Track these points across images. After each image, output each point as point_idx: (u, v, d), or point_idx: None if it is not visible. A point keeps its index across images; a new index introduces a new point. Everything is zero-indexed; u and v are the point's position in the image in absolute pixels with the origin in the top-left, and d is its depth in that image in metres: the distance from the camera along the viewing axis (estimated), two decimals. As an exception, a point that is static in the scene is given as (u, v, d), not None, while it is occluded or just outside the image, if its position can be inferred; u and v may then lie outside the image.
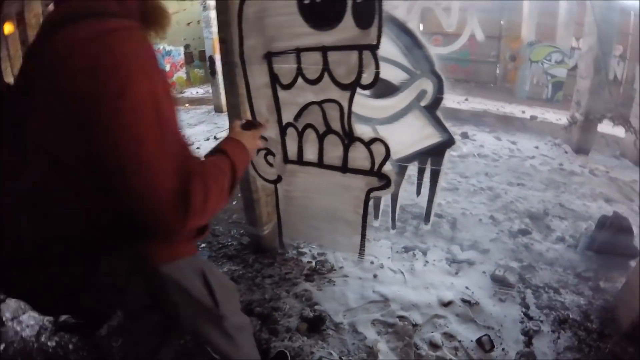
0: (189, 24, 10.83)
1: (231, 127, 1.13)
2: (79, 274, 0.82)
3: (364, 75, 1.88)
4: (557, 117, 6.98)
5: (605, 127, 5.99)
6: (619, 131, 5.89)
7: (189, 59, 11.77)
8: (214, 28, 7.09)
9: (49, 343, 2.29)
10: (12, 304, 2.55)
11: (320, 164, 2.18)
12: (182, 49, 11.26)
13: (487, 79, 10.81)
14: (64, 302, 0.87)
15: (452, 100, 8.11)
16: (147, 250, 0.91)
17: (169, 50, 10.75)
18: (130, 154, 0.70)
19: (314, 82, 2.02)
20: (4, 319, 2.45)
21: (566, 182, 4.50)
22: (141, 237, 0.82)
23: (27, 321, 2.44)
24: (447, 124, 2.11)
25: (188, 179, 0.75)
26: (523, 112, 7.49)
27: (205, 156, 0.94)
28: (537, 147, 5.84)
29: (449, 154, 2.14)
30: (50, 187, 0.77)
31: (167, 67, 10.85)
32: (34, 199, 0.77)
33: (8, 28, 6.65)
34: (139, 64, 0.72)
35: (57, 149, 0.74)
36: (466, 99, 8.44)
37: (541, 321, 2.26)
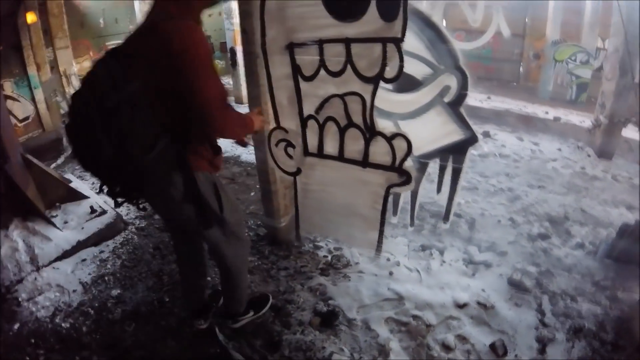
0: (210, 15, 10.89)
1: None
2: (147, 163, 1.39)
3: (388, 69, 1.84)
4: (581, 119, 6.79)
5: (630, 132, 5.83)
6: (645, 136, 5.72)
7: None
8: (235, 19, 7.08)
9: (63, 324, 2.34)
10: (28, 285, 2.61)
11: (340, 157, 2.15)
12: (202, 40, 11.34)
13: (510, 77, 10.56)
14: (130, 180, 1.46)
15: (474, 98, 7.97)
16: (185, 159, 1.47)
17: (190, 42, 10.82)
18: (201, 77, 1.33)
19: (336, 74, 1.99)
20: (20, 299, 2.51)
21: (588, 187, 4.38)
22: (185, 146, 1.46)
23: (43, 302, 2.50)
24: (469, 122, 2.06)
25: (226, 106, 1.45)
26: (546, 112, 7.29)
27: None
28: (559, 149, 5.71)
29: (469, 153, 2.10)
30: (144, 105, 1.34)
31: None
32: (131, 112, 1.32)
33: (30, 17, 6.79)
34: (202, 41, 1.36)
35: (160, 82, 1.35)
36: (488, 97, 8.27)
37: (556, 329, 2.21)
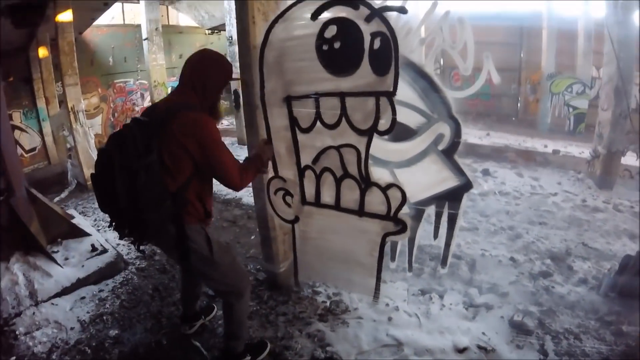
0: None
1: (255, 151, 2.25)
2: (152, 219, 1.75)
3: (382, 121, 1.90)
4: (580, 150, 6.85)
5: (630, 159, 5.84)
6: (644, 163, 5.73)
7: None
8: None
9: None
10: (26, 319, 2.62)
11: (337, 206, 2.19)
12: (208, 82, 11.57)
13: (509, 112, 10.74)
14: (137, 226, 1.79)
15: (473, 135, 8.05)
16: (180, 217, 1.81)
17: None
18: (219, 156, 1.76)
19: (332, 126, 2.06)
20: (17, 332, 2.51)
21: (589, 220, 4.37)
22: (180, 208, 1.79)
23: (40, 338, 2.50)
24: (469, 160, 2.10)
25: (240, 169, 1.85)
26: (545, 146, 7.34)
27: (244, 160, 2.06)
28: (559, 183, 5.72)
29: (469, 193, 2.12)
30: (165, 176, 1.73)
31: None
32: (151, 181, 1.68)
33: (42, 52, 7.03)
34: (215, 129, 1.77)
35: (178, 161, 1.74)
36: (488, 134, 8.37)
37: (560, 370, 2.17)
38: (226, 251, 2.05)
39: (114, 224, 1.84)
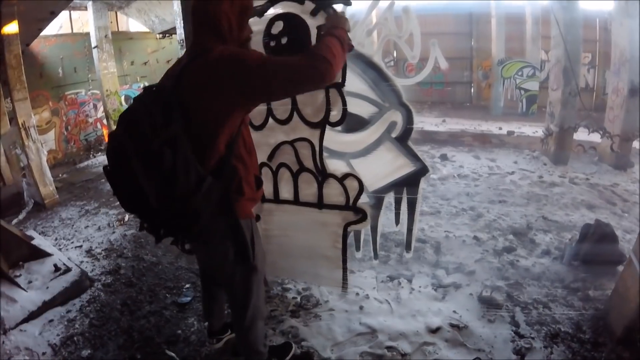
0: (168, 61, 10.94)
1: (326, 26, 1.66)
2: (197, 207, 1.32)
3: (333, 113, 1.91)
4: (534, 130, 7.14)
5: (582, 135, 6.15)
6: (595, 137, 6.05)
7: (169, 96, 11.80)
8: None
9: None
10: (9, 342, 2.53)
11: (296, 201, 2.20)
12: (162, 86, 11.33)
13: (463, 99, 11.11)
14: (176, 222, 1.36)
15: (430, 123, 8.26)
16: (231, 204, 1.44)
17: (149, 88, 10.80)
18: (275, 66, 1.33)
19: (284, 121, 2.06)
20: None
21: (547, 194, 4.57)
22: (229, 185, 1.42)
23: None
24: (426, 147, 2.16)
25: (318, 54, 1.34)
26: (500, 128, 7.63)
27: (322, 39, 1.48)
28: (515, 162, 5.95)
29: (429, 178, 2.17)
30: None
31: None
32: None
33: (-12, 66, 6.64)
34: (236, 50, 1.36)
35: (215, 118, 1.34)
36: (444, 121, 8.61)
37: (532, 338, 2.27)
38: (263, 257, 1.72)
39: (145, 225, 1.45)
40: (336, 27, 1.54)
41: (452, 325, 2.39)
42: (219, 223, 1.44)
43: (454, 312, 2.51)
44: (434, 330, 2.36)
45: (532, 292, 2.70)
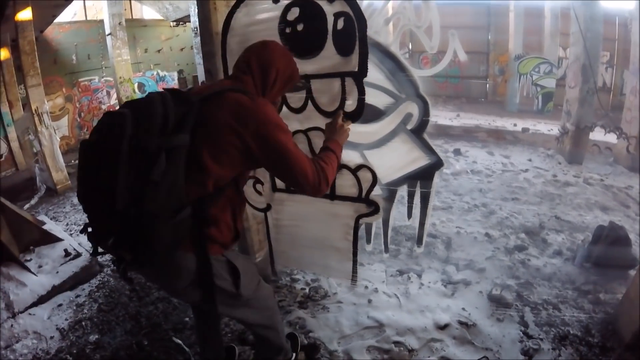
0: (182, 49, 11.01)
1: (327, 129, 1.75)
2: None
3: (348, 102, 1.87)
4: (549, 128, 7.03)
5: (597, 135, 6.04)
6: (611, 138, 5.94)
7: (182, 84, 11.88)
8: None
9: None
10: (5, 332, 2.53)
11: (308, 192, 2.16)
12: (175, 75, 11.39)
13: (478, 94, 10.98)
14: (131, 240, 1.17)
15: (444, 117, 8.18)
16: (205, 239, 1.31)
17: (163, 76, 10.86)
18: (281, 151, 1.30)
19: (298, 110, 2.02)
20: None
21: (561, 194, 4.50)
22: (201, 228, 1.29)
23: (21, 350, 2.42)
24: (440, 141, 2.12)
25: (318, 167, 1.38)
26: (514, 125, 7.53)
27: (319, 152, 1.57)
28: (530, 160, 5.86)
29: (442, 173, 2.13)
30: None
31: (161, 93, 10.94)
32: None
33: (3, 54, 6.71)
34: (278, 116, 1.37)
35: (220, 157, 1.26)
36: (458, 115, 8.52)
37: (541, 339, 2.23)
38: (253, 277, 1.58)
39: (91, 228, 1.25)
40: (338, 141, 1.64)
41: (460, 323, 2.37)
42: (187, 259, 1.30)
43: (463, 309, 2.48)
44: (442, 327, 2.34)
45: (542, 292, 2.66)
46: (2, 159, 7.54)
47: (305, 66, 1.93)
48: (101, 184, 1.15)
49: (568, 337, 2.23)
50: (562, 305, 2.52)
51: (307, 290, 2.68)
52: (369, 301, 2.56)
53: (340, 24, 1.84)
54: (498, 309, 2.48)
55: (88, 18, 9.41)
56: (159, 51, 10.41)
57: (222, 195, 1.32)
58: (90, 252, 1.37)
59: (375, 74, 2.04)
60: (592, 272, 2.84)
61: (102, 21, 8.02)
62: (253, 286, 1.55)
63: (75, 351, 2.40)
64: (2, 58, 6.80)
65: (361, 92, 1.85)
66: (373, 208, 1.99)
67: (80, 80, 8.51)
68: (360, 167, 1.96)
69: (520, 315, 2.43)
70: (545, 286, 2.74)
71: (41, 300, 2.88)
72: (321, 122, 1.93)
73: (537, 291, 2.67)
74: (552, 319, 2.39)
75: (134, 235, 1.15)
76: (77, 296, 2.97)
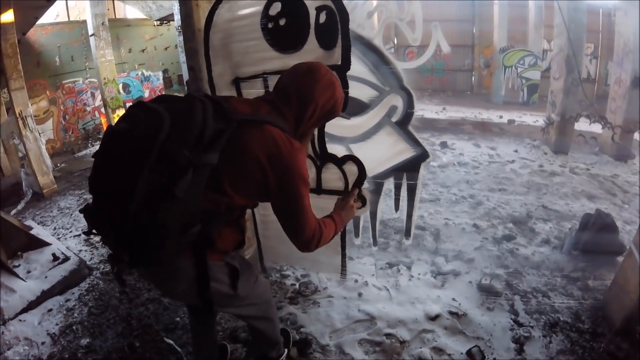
0: (166, 48, 10.88)
1: (338, 202, 1.72)
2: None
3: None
4: (534, 119, 7.10)
5: (583, 125, 6.12)
6: (596, 128, 6.02)
7: (167, 83, 11.75)
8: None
9: None
10: (8, 332, 2.52)
11: (294, 186, 2.15)
12: (160, 74, 11.26)
13: (464, 87, 11.05)
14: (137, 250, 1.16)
15: (430, 110, 8.21)
16: (204, 250, 1.31)
17: (148, 76, 10.71)
18: (300, 204, 1.31)
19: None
20: None
21: (547, 184, 4.55)
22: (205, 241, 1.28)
23: (12, 357, 2.39)
24: (426, 134, 2.14)
25: (318, 228, 1.39)
26: (500, 117, 7.59)
27: (324, 216, 1.54)
28: (516, 151, 5.91)
29: (429, 165, 2.15)
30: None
31: (147, 93, 10.80)
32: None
33: (-15, 56, 6.58)
34: (306, 166, 1.33)
35: (240, 184, 1.25)
36: (444, 108, 8.55)
37: (531, 327, 2.26)
38: (250, 276, 1.58)
39: (96, 228, 1.24)
40: (342, 217, 1.61)
41: (451, 313, 2.39)
42: (180, 266, 1.31)
43: (453, 299, 2.51)
44: (433, 318, 2.36)
45: (531, 280, 2.70)
46: (-13, 164, 7.41)
47: (288, 61, 1.92)
48: (119, 179, 1.12)
49: (558, 324, 2.26)
50: (551, 292, 2.55)
51: (297, 286, 2.68)
52: (359, 295, 2.56)
53: (323, 17, 1.84)
54: (488, 298, 2.51)
55: (71, 19, 9.25)
56: (143, 51, 10.27)
57: (231, 215, 1.34)
58: (84, 231, 1.33)
59: (358, 67, 2.05)
60: (580, 260, 2.88)
61: (85, 22, 7.90)
62: (250, 284, 1.56)
63: (67, 356, 2.37)
64: (-17, 60, 6.67)
65: (345, 86, 1.84)
66: (360, 201, 1.99)
67: (64, 82, 8.36)
68: (346, 160, 1.96)
69: (510, 303, 2.46)
70: (534, 274, 2.77)
71: (31, 305, 2.84)
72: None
73: (526, 280, 2.71)
74: (542, 306, 2.42)
75: (137, 238, 1.13)
76: (67, 300, 2.93)
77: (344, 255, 2.18)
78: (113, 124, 1.23)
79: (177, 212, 1.11)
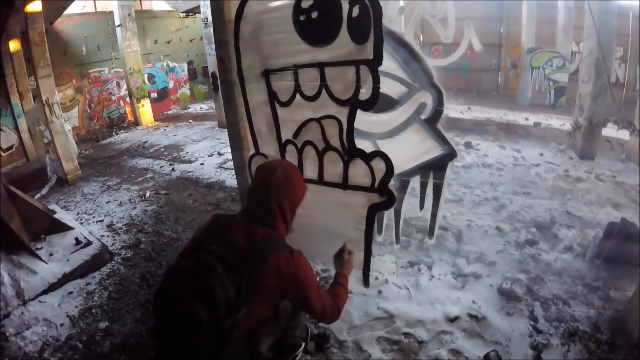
0: (191, 40, 11.02)
1: (335, 263, 1.90)
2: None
3: (362, 91, 1.85)
4: (561, 122, 6.94)
5: (610, 131, 5.95)
6: (624, 134, 5.84)
7: (192, 75, 11.90)
8: (215, 44, 7.15)
9: (51, 359, 2.30)
10: (15, 319, 2.57)
11: (320, 180, 2.15)
12: (185, 65, 11.40)
13: (489, 87, 10.84)
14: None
15: (455, 109, 8.09)
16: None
17: (173, 67, 10.89)
18: (313, 302, 1.51)
19: (312, 98, 2.00)
20: (7, 334, 2.45)
21: (572, 189, 4.44)
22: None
23: (31, 337, 2.45)
24: (451, 134, 2.09)
25: (332, 304, 1.61)
26: (526, 119, 7.43)
27: (331, 285, 1.77)
28: (541, 155, 5.78)
29: (453, 165, 2.11)
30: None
31: (171, 84, 10.97)
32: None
33: (13, 45, 6.74)
34: (310, 268, 1.55)
35: (266, 302, 1.48)
36: (469, 108, 8.41)
37: (550, 334, 2.21)
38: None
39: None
40: (346, 275, 1.82)
41: (470, 316, 2.36)
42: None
43: (473, 302, 2.47)
44: (452, 319, 2.33)
45: (552, 287, 2.64)
46: (13, 149, 7.61)
47: (319, 54, 1.92)
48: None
49: (577, 333, 2.21)
50: (572, 300, 2.49)
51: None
52: (379, 292, 2.55)
53: (356, 11, 1.82)
54: (508, 303, 2.46)
55: (97, 9, 9.43)
56: (168, 42, 10.43)
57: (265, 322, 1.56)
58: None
59: (389, 62, 2.02)
60: (603, 269, 2.80)
61: (111, 13, 8.05)
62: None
63: (85, 338, 2.43)
64: (12, 50, 6.84)
65: (376, 81, 1.82)
66: (386, 198, 1.97)
67: (90, 71, 8.55)
68: (374, 155, 1.93)
69: (530, 309, 2.41)
70: (555, 281, 2.71)
71: (52, 287, 2.91)
72: (335, 110, 1.92)
73: (547, 286, 2.65)
74: (561, 314, 2.37)
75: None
76: (88, 284, 3.00)
77: (367, 267, 2.16)
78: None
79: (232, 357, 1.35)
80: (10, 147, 7.52)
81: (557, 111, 8.52)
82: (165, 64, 10.53)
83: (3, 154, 7.36)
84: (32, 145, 7.78)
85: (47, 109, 5.76)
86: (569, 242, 3.22)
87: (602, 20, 5.40)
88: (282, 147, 2.21)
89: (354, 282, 2.62)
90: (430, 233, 2.27)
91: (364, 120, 1.98)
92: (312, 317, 1.67)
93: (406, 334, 2.23)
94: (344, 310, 2.33)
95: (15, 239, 3.20)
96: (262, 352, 1.65)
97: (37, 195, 5.40)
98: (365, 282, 2.27)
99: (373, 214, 2.05)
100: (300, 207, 1.66)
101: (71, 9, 7.61)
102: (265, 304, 1.49)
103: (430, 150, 2.06)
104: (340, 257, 1.87)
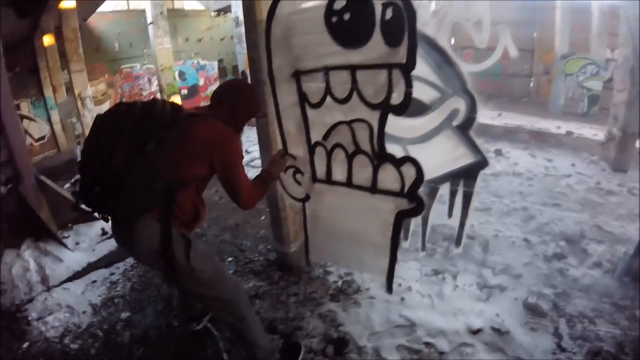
0: (222, 39, 11.18)
1: (267, 164, 2.17)
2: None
3: (394, 95, 1.82)
4: (594, 132, 6.68)
5: (645, 143, 5.70)
6: (659, 147, 5.59)
7: (222, 73, 12.08)
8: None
9: (72, 345, 2.36)
10: (38, 304, 2.66)
11: (349, 184, 2.13)
12: (215, 64, 11.57)
13: (521, 93, 10.54)
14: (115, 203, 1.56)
15: (485, 115, 7.91)
16: (169, 217, 1.65)
17: (203, 65, 11.07)
18: (237, 174, 1.73)
19: (342, 101, 1.98)
20: (29, 318, 2.54)
21: (603, 203, 4.27)
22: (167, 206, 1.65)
23: (52, 322, 2.53)
24: (480, 140, 2.04)
25: (252, 190, 1.81)
26: (558, 127, 7.17)
27: (254, 178, 1.96)
28: (573, 165, 5.60)
29: (482, 173, 2.06)
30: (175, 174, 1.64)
31: (201, 81, 11.15)
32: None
33: (47, 40, 7.00)
34: (240, 146, 1.76)
35: (190, 159, 1.67)
36: (499, 114, 8.18)
37: (574, 353, 2.14)
38: (207, 258, 1.80)
39: (81, 184, 1.62)
40: (270, 172, 2.05)
41: (493, 329, 2.29)
42: (150, 226, 1.62)
43: (497, 315, 2.41)
44: (475, 332, 2.28)
45: (578, 304, 2.54)
46: (45, 140, 7.90)
47: (350, 56, 1.90)
48: (107, 143, 1.56)
49: (601, 353, 2.12)
50: (597, 319, 2.40)
51: (339, 284, 2.67)
52: (402, 299, 2.52)
53: (389, 14, 1.79)
54: (533, 318, 2.39)
55: (130, 8, 9.68)
56: (199, 40, 10.61)
57: (186, 187, 1.68)
58: (73, 205, 1.71)
59: (421, 66, 1.98)
60: (632, 287, 2.68)
61: (143, 11, 8.23)
62: (207, 265, 1.77)
63: (105, 327, 2.49)
64: (46, 44, 7.10)
65: (408, 85, 1.78)
66: (415, 204, 1.93)
67: (122, 67, 8.79)
68: (404, 161, 1.89)
69: (555, 326, 2.33)
70: (582, 298, 2.61)
71: (76, 275, 3.01)
72: (365, 113, 1.90)
73: (573, 302, 2.55)
74: (586, 332, 2.28)
75: (117, 187, 1.52)
76: (112, 274, 3.07)
77: (391, 274, 2.13)
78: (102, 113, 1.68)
79: (146, 166, 1.54)
80: (42, 138, 7.82)
81: (590, 120, 8.21)
82: (196, 61, 10.73)
83: (35, 144, 7.66)
84: (63, 137, 8.07)
85: (79, 102, 5.94)
86: (598, 258, 3.09)
87: (638, 26, 5.19)
88: (311, 148, 2.20)
89: (376, 287, 2.61)
90: (458, 242, 2.22)
91: (395, 124, 1.95)
92: (231, 193, 1.76)
93: (427, 344, 2.19)
94: (365, 316, 2.37)
95: (43, 227, 3.31)
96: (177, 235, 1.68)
97: (67, 185, 5.58)
98: (389, 288, 2.23)
99: (400, 221, 2.00)
100: (247, 118, 1.90)
101: (104, 7, 7.84)
102: (193, 158, 1.66)
103: (461, 157, 2.01)
104: (273, 157, 2.17)
